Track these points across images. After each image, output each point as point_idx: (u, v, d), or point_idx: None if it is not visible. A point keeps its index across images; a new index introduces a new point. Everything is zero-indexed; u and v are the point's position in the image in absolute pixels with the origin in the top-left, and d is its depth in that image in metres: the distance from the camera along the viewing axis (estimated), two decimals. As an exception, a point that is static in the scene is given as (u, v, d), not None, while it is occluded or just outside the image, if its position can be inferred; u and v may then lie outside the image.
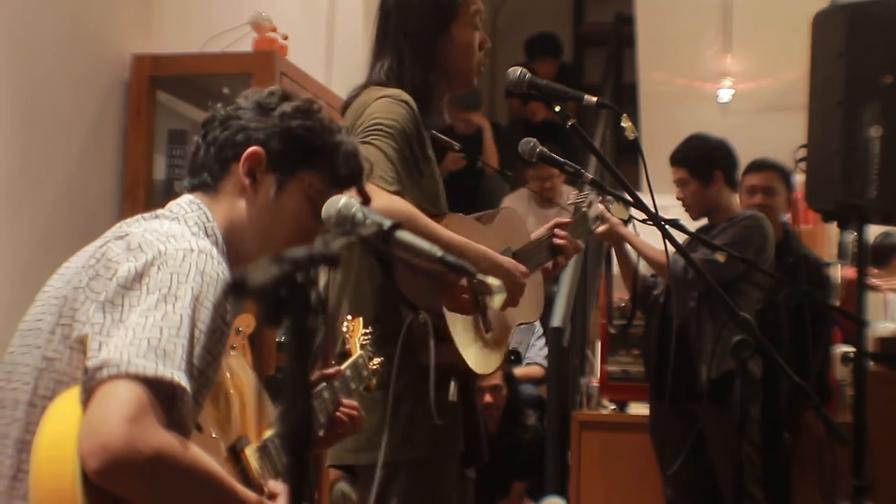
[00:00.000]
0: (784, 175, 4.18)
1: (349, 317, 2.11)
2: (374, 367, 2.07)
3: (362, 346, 2.05)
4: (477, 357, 2.27)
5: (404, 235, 1.45)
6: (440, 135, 2.51)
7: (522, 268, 2.31)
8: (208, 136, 1.71)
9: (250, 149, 1.67)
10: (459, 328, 2.22)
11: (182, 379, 1.41)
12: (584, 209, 2.74)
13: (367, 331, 2.09)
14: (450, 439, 2.27)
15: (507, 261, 2.28)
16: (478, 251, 2.22)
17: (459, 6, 2.35)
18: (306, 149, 1.70)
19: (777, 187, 4.13)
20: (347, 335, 2.07)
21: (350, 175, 1.74)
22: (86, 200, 3.18)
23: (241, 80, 3.40)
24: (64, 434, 1.40)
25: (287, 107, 1.71)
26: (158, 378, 1.39)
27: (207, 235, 1.64)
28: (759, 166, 4.18)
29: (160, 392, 1.40)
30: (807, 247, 4.31)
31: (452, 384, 2.22)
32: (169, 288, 1.47)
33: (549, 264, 2.58)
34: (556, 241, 2.57)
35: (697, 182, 3.96)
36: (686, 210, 4.02)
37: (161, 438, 1.37)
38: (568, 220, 2.66)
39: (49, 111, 3.02)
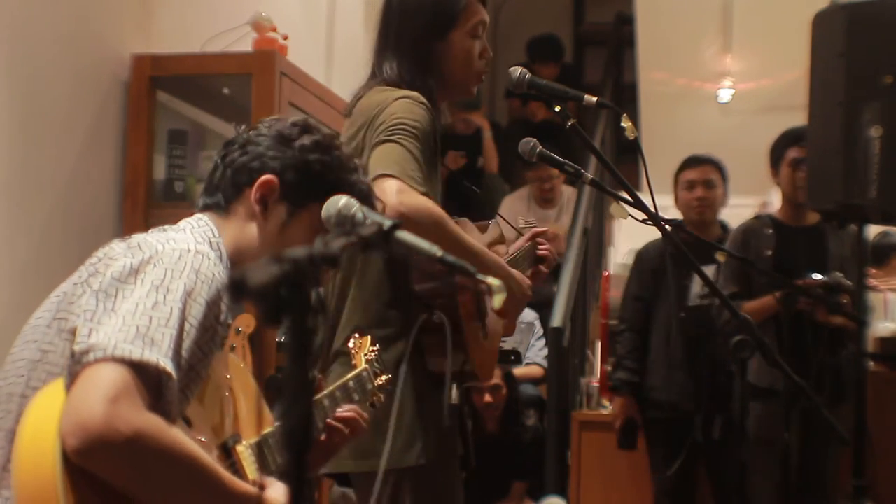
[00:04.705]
0: (720, 168, 4.20)
1: (356, 334, 2.10)
2: (381, 383, 2.04)
3: (368, 362, 2.03)
4: (483, 363, 2.28)
5: (404, 235, 1.44)
6: None
7: (528, 280, 2.35)
8: (227, 158, 1.75)
9: (264, 177, 1.71)
10: (473, 334, 2.24)
11: (168, 365, 1.42)
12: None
13: (375, 348, 2.07)
14: (450, 443, 2.27)
15: (517, 272, 2.31)
16: (493, 259, 2.24)
17: (459, 15, 2.35)
18: (320, 183, 1.72)
19: (715, 180, 4.15)
20: (354, 350, 2.05)
21: None
22: (86, 200, 3.18)
23: (241, 80, 3.40)
24: (46, 418, 1.41)
25: (307, 140, 1.74)
26: (144, 362, 1.40)
27: (212, 249, 1.67)
28: (695, 161, 4.18)
29: (145, 376, 1.41)
30: None
31: (454, 387, 2.22)
32: (162, 281, 1.49)
33: (529, 273, 2.58)
34: (541, 250, 2.60)
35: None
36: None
37: (141, 419, 1.38)
38: (545, 228, 2.68)
39: (49, 111, 3.01)
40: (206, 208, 1.75)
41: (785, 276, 3.45)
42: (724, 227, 4.23)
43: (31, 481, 1.39)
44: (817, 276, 3.43)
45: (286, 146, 1.73)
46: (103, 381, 1.38)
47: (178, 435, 1.44)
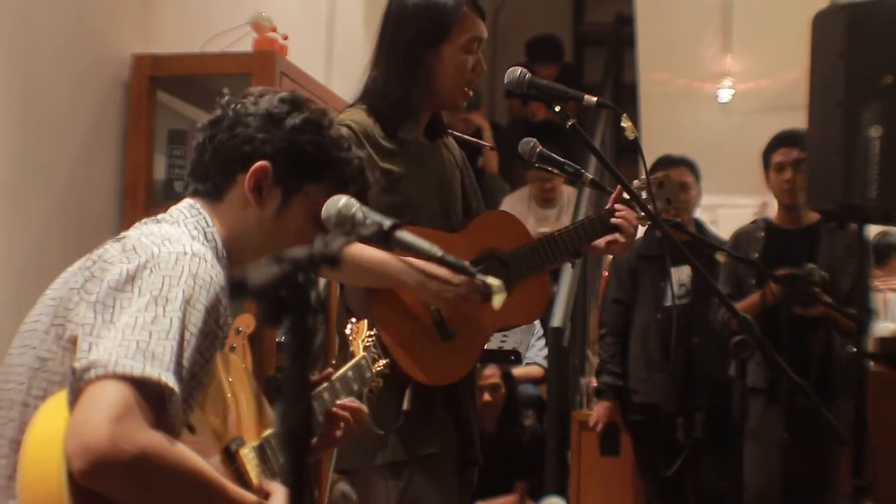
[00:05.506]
0: (694, 169, 4.18)
1: (353, 319, 2.11)
2: (380, 368, 2.05)
3: (366, 348, 2.04)
4: (428, 367, 2.26)
5: (405, 235, 1.45)
6: (469, 137, 2.51)
7: (458, 277, 2.15)
8: (215, 139, 1.70)
9: (257, 164, 1.67)
10: (408, 337, 2.23)
11: (170, 380, 1.41)
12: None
13: (372, 333, 2.08)
14: (424, 442, 2.27)
15: (441, 271, 2.15)
16: (399, 267, 2.17)
17: (452, 28, 2.33)
18: (314, 164, 1.69)
19: (690, 182, 4.12)
20: (351, 337, 2.06)
21: (357, 192, 1.70)
22: (86, 200, 3.18)
23: (241, 80, 3.39)
24: (51, 435, 1.39)
25: (297, 119, 1.69)
26: (146, 378, 1.39)
27: (207, 241, 1.65)
28: (669, 162, 4.11)
29: (148, 393, 1.39)
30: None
31: (407, 392, 2.23)
32: (160, 290, 1.47)
33: (602, 242, 2.42)
34: (617, 217, 2.41)
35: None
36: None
37: (146, 438, 1.37)
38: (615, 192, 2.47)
39: (49, 111, 3.01)
40: (196, 194, 1.71)
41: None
42: (699, 224, 4.24)
43: (37, 502, 1.38)
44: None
45: (276, 127, 1.68)
46: (106, 401, 1.36)
47: (183, 451, 1.43)
